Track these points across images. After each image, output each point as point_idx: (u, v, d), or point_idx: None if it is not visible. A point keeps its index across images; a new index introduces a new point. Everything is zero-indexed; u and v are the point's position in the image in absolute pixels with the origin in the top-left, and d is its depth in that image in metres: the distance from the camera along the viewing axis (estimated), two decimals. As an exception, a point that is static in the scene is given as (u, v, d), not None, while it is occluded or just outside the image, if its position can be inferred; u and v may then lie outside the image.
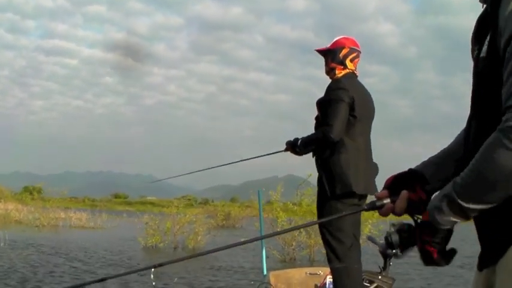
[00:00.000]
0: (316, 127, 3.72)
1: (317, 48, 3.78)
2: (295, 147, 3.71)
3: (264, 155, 4.19)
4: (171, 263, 1.88)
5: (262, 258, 4.95)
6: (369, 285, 4.23)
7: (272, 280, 4.65)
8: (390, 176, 1.43)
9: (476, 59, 1.29)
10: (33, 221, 22.92)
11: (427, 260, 1.29)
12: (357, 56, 3.73)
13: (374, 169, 3.71)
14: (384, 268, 4.42)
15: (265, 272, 4.76)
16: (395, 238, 1.38)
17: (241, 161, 4.37)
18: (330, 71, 3.73)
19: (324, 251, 12.04)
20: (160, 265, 1.72)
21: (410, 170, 1.45)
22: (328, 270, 4.30)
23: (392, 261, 4.44)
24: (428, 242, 1.26)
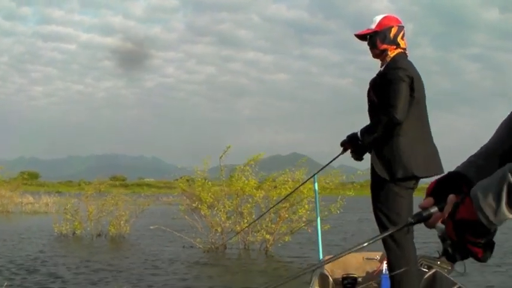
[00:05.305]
0: (371, 109, 3.62)
1: (359, 32, 3.64)
2: (356, 140, 3.59)
3: (330, 162, 4.26)
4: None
5: (318, 242, 4.79)
6: (427, 270, 4.20)
7: (328, 265, 4.58)
8: (431, 182, 1.30)
9: None
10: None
11: (468, 257, 1.16)
12: (404, 33, 3.63)
13: (435, 150, 3.59)
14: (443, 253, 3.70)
15: (321, 257, 4.66)
16: None
17: (322, 168, 4.99)
18: (380, 53, 3.60)
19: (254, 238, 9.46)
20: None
21: (450, 172, 1.30)
22: (383, 254, 4.29)
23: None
24: (472, 242, 1.12)
